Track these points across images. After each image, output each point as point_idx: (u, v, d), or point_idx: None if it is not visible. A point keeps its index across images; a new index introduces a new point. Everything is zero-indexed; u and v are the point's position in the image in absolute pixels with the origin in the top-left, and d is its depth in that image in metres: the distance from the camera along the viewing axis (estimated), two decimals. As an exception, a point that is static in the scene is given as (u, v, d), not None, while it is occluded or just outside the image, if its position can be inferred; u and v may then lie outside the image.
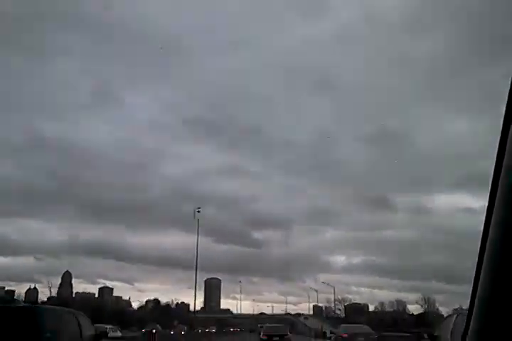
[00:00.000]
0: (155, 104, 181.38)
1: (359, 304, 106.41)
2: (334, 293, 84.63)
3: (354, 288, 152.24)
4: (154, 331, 35.80)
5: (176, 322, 74.47)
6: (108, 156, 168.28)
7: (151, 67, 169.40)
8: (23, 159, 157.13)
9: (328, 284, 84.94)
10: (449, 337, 9.63)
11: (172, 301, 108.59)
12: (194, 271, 58.86)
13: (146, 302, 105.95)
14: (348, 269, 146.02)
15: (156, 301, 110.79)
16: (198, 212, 60.62)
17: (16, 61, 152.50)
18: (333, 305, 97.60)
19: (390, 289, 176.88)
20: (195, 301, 69.53)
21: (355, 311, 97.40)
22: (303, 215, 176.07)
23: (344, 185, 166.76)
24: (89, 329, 9.50)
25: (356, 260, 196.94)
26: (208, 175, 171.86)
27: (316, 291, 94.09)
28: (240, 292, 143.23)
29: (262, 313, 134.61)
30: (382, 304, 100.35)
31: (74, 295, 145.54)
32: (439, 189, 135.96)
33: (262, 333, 26.63)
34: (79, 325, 8.91)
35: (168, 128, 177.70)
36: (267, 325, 31.42)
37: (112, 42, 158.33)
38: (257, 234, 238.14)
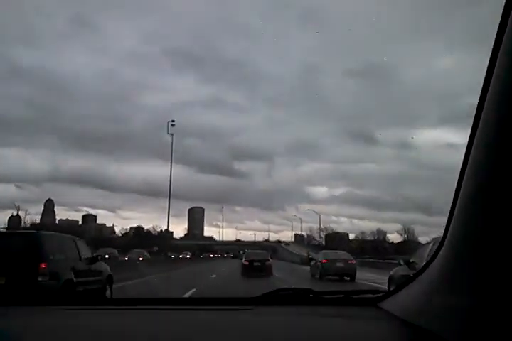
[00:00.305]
0: (135, 33, 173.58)
1: (339, 233, 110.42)
2: (320, 221, 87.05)
3: (334, 218, 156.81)
4: (107, 257, 31.11)
5: (155, 248, 75.69)
6: (88, 86, 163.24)
7: None
8: (0, 88, 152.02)
9: (313, 211, 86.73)
10: (423, 263, 9.92)
11: (153, 228, 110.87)
12: (178, 200, 58.86)
13: (130, 229, 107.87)
14: (329, 200, 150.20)
15: (139, 228, 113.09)
16: (172, 125, 56.52)
17: None
18: (314, 233, 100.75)
19: (370, 220, 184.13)
20: (168, 225, 68.21)
21: (336, 239, 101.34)
22: (286, 148, 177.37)
23: (329, 119, 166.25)
24: (86, 253, 10.56)
25: (338, 191, 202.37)
26: (191, 107, 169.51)
27: (301, 219, 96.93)
28: (222, 219, 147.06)
29: (239, 240, 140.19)
30: (362, 233, 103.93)
31: (57, 222, 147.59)
32: (423, 124, 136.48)
33: (243, 259, 27.47)
34: (77, 248, 10.11)
35: (149, 59, 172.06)
36: (249, 251, 32.40)
37: None
38: (241, 166, 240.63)
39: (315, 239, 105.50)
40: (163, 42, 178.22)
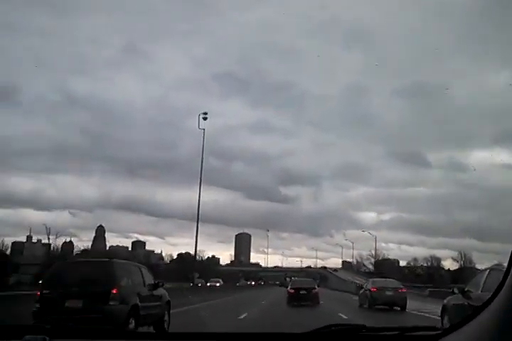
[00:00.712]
0: (183, 59, 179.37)
1: (389, 259, 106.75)
2: (376, 245, 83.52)
3: (383, 244, 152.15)
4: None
5: (196, 275, 73.27)
6: (138, 113, 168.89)
7: (178, 22, 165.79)
8: (55, 116, 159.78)
9: (368, 233, 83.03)
10: (479, 291, 9.33)
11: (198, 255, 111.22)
12: (224, 226, 56.92)
13: (178, 255, 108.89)
14: (377, 225, 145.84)
15: (187, 254, 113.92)
16: (204, 118, 46.07)
17: (43, 18, 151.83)
18: (364, 259, 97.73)
19: (421, 246, 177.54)
20: (196, 250, 59.49)
21: (386, 266, 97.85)
22: (333, 171, 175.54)
23: (377, 141, 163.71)
24: (149, 279, 11.58)
25: (386, 216, 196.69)
26: (238, 131, 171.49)
27: (352, 244, 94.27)
28: (267, 246, 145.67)
29: (282, 267, 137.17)
30: (415, 259, 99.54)
31: (108, 249, 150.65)
32: (476, 145, 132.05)
33: (289, 287, 26.91)
34: (142, 275, 11.19)
35: (197, 84, 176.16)
36: (295, 278, 31.80)
37: None
38: (287, 190, 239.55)
39: (365, 266, 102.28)
40: (211, 67, 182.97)
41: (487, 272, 9.49)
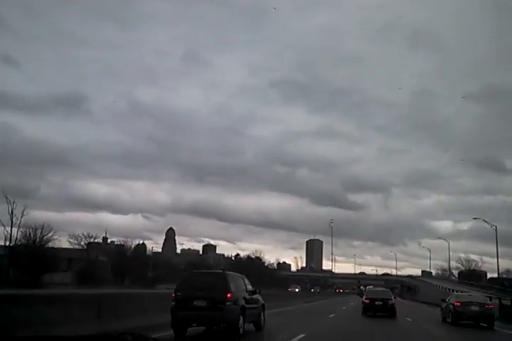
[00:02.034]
0: (243, 67, 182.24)
1: (475, 270, 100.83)
2: (449, 251, 78.65)
3: (462, 255, 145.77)
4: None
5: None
6: (203, 120, 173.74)
7: (237, 31, 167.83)
8: (124, 124, 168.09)
9: (444, 240, 77.97)
10: None
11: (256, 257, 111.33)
12: (295, 233, 58.27)
13: (242, 257, 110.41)
14: (455, 235, 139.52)
15: (258, 259, 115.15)
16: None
17: (111, 31, 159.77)
18: (447, 270, 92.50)
19: (506, 258, 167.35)
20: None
21: (473, 277, 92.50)
22: (404, 179, 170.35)
23: (450, 147, 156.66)
24: (249, 286, 14.87)
25: (465, 225, 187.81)
26: (302, 138, 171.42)
27: (429, 252, 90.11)
28: (332, 251, 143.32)
29: (362, 273, 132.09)
30: (508, 271, 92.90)
31: (179, 252, 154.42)
32: None
33: (364, 297, 26.43)
34: (244, 283, 14.62)
35: (258, 91, 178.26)
36: (370, 288, 31.19)
37: (197, 7, 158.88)
38: (356, 197, 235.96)
39: (454, 276, 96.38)
40: (271, 73, 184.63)
41: None
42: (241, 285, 14.09)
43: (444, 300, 24.88)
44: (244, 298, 13.53)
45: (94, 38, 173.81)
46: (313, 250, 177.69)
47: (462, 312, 21.41)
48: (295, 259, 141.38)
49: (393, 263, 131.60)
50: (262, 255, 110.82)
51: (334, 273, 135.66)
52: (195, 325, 12.86)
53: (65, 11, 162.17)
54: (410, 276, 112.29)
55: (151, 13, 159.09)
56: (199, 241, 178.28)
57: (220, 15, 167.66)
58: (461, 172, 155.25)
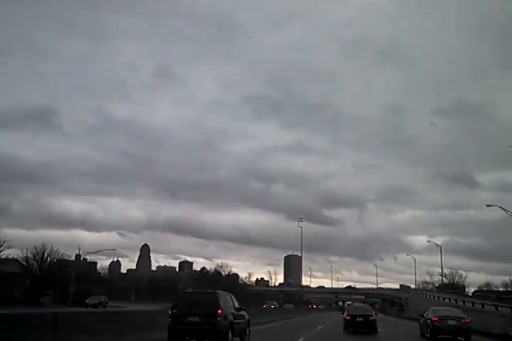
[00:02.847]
0: (215, 82, 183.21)
1: (453, 284, 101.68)
2: (441, 256, 71.87)
3: (438, 269, 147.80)
4: None
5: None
6: (176, 136, 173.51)
7: (208, 46, 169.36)
8: (95, 139, 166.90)
9: (435, 244, 76.14)
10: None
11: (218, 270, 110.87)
12: (272, 249, 58.49)
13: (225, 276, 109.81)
14: (429, 250, 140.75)
15: (236, 276, 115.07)
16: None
17: (81, 45, 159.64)
18: (422, 284, 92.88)
19: (480, 271, 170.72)
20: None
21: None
22: (378, 194, 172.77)
23: (422, 162, 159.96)
24: (236, 304, 16.53)
25: (438, 240, 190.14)
26: (276, 153, 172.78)
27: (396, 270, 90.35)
28: (305, 265, 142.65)
29: (349, 287, 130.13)
30: (487, 284, 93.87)
31: (155, 269, 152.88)
32: None
33: (345, 313, 26.99)
34: (232, 300, 16.34)
35: (231, 106, 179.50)
36: (350, 304, 31.77)
37: (169, 21, 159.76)
38: (330, 212, 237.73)
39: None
40: (244, 89, 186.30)
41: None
42: (229, 303, 15.84)
43: (422, 316, 25.69)
44: (232, 314, 15.31)
45: (64, 52, 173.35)
46: (291, 266, 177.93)
47: (440, 327, 22.22)
48: (269, 273, 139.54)
49: (370, 278, 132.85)
50: (229, 269, 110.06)
51: (310, 287, 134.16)
52: (188, 338, 14.31)
53: (35, 24, 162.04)
54: (401, 286, 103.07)
55: (121, 27, 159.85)
56: (175, 258, 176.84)
57: (191, 30, 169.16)
58: (433, 188, 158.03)
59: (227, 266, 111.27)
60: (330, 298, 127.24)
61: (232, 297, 16.69)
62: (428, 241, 74.62)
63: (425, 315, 24.40)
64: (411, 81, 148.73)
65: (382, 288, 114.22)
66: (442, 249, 68.74)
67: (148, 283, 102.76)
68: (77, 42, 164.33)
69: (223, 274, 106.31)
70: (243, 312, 17.09)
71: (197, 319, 14.02)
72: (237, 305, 16.65)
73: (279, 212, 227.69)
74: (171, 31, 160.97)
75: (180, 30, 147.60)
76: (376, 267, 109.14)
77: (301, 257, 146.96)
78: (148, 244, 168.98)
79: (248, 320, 17.45)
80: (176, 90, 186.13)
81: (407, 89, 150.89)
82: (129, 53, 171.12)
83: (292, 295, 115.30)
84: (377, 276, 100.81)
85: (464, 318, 22.90)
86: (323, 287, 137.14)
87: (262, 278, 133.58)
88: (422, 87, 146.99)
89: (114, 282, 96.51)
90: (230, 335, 14.45)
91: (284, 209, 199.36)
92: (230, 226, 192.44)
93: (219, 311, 14.13)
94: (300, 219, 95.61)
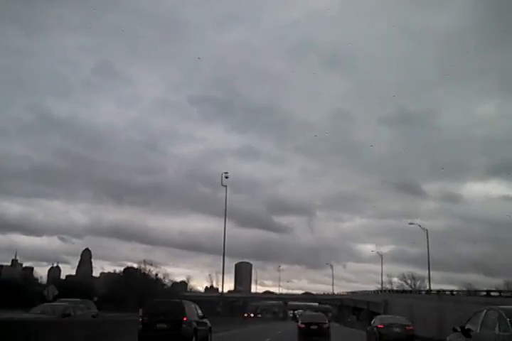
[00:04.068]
0: (162, 81, 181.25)
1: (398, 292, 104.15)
2: (382, 266, 74.59)
3: (386, 278, 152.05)
4: None
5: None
6: (120, 136, 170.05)
7: (153, 45, 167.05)
8: (34, 139, 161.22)
9: (377, 252, 78.22)
10: (478, 330, 11.10)
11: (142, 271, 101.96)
12: (221, 256, 56.35)
13: (173, 284, 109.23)
14: (377, 258, 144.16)
15: (184, 284, 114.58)
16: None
17: (18, 38, 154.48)
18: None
19: (424, 280, 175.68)
20: None
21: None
22: (327, 201, 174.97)
23: (369, 170, 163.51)
24: (199, 312, 18.55)
25: (386, 249, 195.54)
26: (224, 157, 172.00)
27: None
28: (255, 271, 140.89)
29: (307, 293, 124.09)
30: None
31: (99, 276, 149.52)
32: (472, 175, 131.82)
33: (299, 321, 27.98)
34: (196, 309, 18.37)
35: (177, 107, 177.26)
36: (304, 312, 32.67)
37: (111, 17, 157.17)
38: (280, 219, 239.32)
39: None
40: (189, 89, 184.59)
41: (485, 312, 11.24)
42: (193, 311, 17.76)
43: (369, 324, 27.36)
44: (196, 322, 17.19)
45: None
46: (242, 273, 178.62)
47: (385, 334, 23.90)
48: (210, 278, 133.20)
49: (320, 286, 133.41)
50: (153, 269, 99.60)
51: (257, 293, 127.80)
52: None
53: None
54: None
55: (60, 20, 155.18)
56: (121, 265, 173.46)
57: (135, 27, 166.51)
58: (381, 196, 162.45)
59: (151, 263, 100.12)
60: (279, 305, 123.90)
61: (196, 306, 18.62)
62: (372, 251, 76.42)
63: (372, 323, 26.06)
64: (357, 88, 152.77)
65: (338, 294, 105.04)
66: (390, 257, 71.96)
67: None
68: (12, 34, 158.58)
69: (152, 277, 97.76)
70: (206, 320, 18.92)
71: (165, 326, 15.77)
72: (200, 313, 18.47)
73: (228, 219, 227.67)
74: (113, 27, 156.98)
75: (123, 26, 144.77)
76: (332, 268, 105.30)
77: (251, 264, 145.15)
78: (89, 248, 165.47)
79: (210, 328, 19.23)
80: (119, 88, 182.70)
81: (353, 95, 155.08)
82: (69, 48, 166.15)
83: (235, 302, 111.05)
84: (333, 280, 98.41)
85: (407, 325, 24.72)
86: (272, 292, 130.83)
87: (211, 286, 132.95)
88: (368, 94, 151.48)
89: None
90: (194, 340, 16.59)
91: (233, 216, 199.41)
92: (177, 232, 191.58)
93: (184, 318, 15.98)
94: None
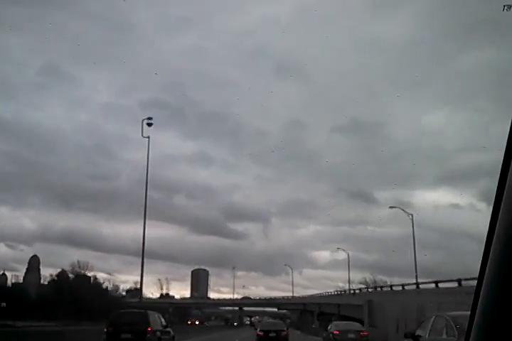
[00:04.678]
0: (111, 85, 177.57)
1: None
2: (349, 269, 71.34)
3: (341, 284, 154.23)
4: None
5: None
6: (68, 140, 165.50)
7: (103, 46, 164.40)
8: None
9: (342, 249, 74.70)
10: (427, 336, 11.87)
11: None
12: (177, 263, 55.00)
13: (127, 291, 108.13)
14: (333, 265, 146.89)
15: (137, 291, 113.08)
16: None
17: None
18: None
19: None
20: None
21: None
22: (282, 208, 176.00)
23: (323, 178, 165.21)
24: (163, 321, 19.38)
25: (341, 256, 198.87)
26: (178, 163, 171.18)
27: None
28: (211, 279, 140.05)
29: (272, 298, 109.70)
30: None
31: (47, 282, 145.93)
32: (421, 184, 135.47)
33: (258, 329, 28.55)
34: (160, 319, 18.83)
35: (128, 112, 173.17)
36: (263, 320, 33.23)
37: (58, 16, 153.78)
38: (236, 226, 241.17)
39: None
40: (140, 94, 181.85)
41: (433, 318, 12.02)
42: (157, 321, 18.41)
43: (326, 330, 28.18)
44: (160, 331, 17.81)
45: None
46: (199, 280, 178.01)
47: (341, 340, 24.64)
48: (159, 282, 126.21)
49: (276, 293, 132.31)
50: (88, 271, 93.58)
51: (211, 299, 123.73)
52: None
53: None
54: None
55: (2, 18, 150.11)
56: (73, 273, 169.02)
57: (84, 28, 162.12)
58: (334, 203, 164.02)
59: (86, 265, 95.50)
60: (233, 311, 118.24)
61: (160, 316, 19.42)
62: (337, 248, 73.38)
63: (329, 329, 26.84)
64: (310, 96, 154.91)
65: (297, 296, 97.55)
66: (344, 264, 71.20)
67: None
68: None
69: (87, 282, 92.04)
70: (169, 329, 19.61)
71: (129, 336, 16.26)
72: (164, 322, 19.19)
73: (183, 225, 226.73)
74: (61, 27, 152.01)
75: (71, 27, 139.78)
76: (292, 271, 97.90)
77: (208, 271, 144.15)
78: (38, 255, 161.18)
79: (173, 336, 20.09)
80: (68, 91, 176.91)
81: (307, 104, 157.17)
82: (13, 48, 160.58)
83: (187, 308, 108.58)
84: (292, 281, 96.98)
85: (362, 331, 25.63)
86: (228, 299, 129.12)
87: (167, 294, 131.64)
88: (321, 103, 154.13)
89: None
90: None
91: (188, 223, 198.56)
92: (131, 239, 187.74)
93: (149, 329, 16.56)
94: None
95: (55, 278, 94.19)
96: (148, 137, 42.93)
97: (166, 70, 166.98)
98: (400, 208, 49.75)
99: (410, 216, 47.33)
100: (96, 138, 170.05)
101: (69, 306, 70.35)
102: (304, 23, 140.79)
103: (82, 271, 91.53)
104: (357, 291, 57.01)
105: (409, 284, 33.27)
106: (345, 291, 66.28)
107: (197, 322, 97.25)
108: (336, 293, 68.78)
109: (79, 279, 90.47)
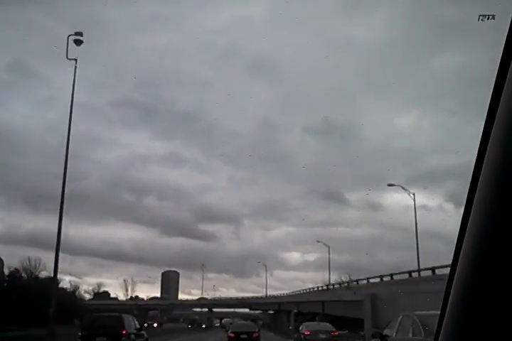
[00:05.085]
0: (81, 83, 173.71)
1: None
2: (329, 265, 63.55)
3: (310, 285, 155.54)
4: None
5: None
6: (35, 140, 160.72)
7: (71, 43, 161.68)
8: None
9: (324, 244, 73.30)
10: (394, 335, 12.41)
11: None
12: (147, 266, 53.77)
13: (95, 294, 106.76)
14: (304, 266, 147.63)
15: (106, 294, 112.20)
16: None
17: None
18: None
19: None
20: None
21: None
22: (254, 210, 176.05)
23: (295, 179, 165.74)
24: (137, 324, 19.83)
25: (312, 257, 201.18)
26: (148, 163, 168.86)
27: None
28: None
29: (241, 298, 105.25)
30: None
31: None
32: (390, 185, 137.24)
33: (229, 330, 28.86)
34: (134, 322, 19.44)
35: (98, 111, 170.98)
36: (234, 321, 33.46)
37: (26, 13, 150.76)
38: (207, 227, 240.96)
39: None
40: (110, 93, 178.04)
41: (400, 318, 12.57)
42: (132, 324, 18.86)
43: (297, 330, 28.73)
44: (134, 334, 18.33)
45: None
46: (170, 282, 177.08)
47: (312, 340, 25.19)
48: (125, 283, 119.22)
49: (249, 295, 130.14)
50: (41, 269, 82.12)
51: (180, 300, 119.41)
52: None
53: None
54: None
55: None
56: (39, 276, 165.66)
57: (52, 24, 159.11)
58: (306, 204, 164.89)
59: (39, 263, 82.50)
60: (202, 313, 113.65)
61: (134, 319, 20.14)
62: (318, 242, 69.33)
63: (300, 329, 27.38)
64: (282, 96, 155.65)
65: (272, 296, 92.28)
66: (316, 265, 71.29)
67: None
68: None
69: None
70: (143, 332, 20.37)
71: (104, 339, 16.63)
72: (137, 325, 19.82)
73: (153, 227, 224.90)
74: (28, 23, 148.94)
75: (39, 22, 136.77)
76: (266, 268, 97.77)
77: (178, 273, 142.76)
78: (1, 257, 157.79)
79: (147, 339, 20.57)
80: (35, 89, 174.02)
81: (279, 104, 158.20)
82: None
83: (152, 310, 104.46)
84: (266, 280, 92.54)
85: (333, 331, 26.24)
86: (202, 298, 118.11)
87: (136, 296, 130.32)
88: (293, 103, 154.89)
89: None
90: None
91: (158, 224, 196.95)
92: (99, 241, 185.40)
93: (123, 332, 16.98)
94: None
95: (7, 278, 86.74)
96: (76, 60, 34.62)
97: (138, 69, 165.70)
98: (400, 186, 47.46)
99: (412, 195, 47.35)
100: (64, 137, 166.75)
101: (20, 307, 67.78)
102: (277, 24, 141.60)
103: (35, 270, 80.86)
104: (354, 283, 48.88)
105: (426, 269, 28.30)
106: (333, 285, 57.46)
107: (155, 325, 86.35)
108: (320, 288, 61.50)
109: (30, 279, 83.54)
